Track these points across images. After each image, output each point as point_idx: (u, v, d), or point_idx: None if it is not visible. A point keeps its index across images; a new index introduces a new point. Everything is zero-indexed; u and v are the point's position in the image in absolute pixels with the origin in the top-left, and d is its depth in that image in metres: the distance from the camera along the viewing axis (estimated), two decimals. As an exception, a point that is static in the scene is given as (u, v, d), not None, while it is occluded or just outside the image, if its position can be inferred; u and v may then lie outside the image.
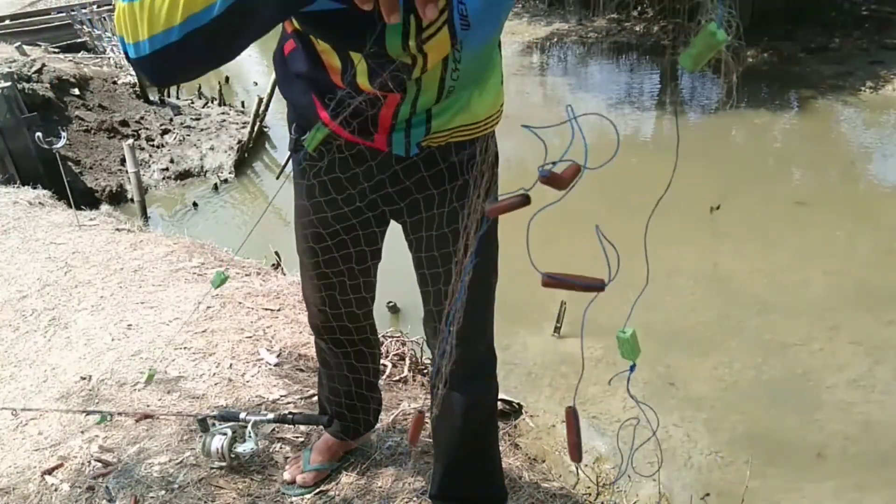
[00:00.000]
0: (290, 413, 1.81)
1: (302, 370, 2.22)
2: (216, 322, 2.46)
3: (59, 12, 9.59)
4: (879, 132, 6.93)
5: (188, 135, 6.99)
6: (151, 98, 7.63)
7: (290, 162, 1.26)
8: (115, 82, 7.62)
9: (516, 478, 1.83)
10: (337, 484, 1.67)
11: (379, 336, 2.63)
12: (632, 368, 0.62)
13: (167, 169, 6.46)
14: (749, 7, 9.29)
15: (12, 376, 2.27)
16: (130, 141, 5.73)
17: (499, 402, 2.52)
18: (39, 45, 8.54)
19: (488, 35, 1.01)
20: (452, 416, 1.40)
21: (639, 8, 11.07)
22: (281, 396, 2.03)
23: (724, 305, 3.90)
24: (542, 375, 3.39)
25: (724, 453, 2.89)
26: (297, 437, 1.84)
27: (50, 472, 1.74)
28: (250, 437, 1.69)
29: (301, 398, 2.03)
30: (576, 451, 0.66)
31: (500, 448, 1.85)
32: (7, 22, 9.21)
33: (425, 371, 2.55)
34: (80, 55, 8.55)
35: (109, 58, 8.39)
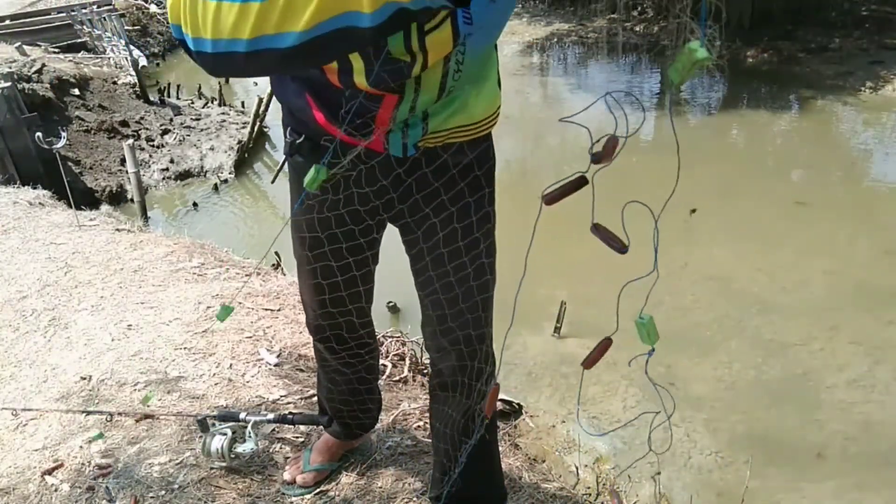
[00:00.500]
0: (290, 413, 1.81)
1: (302, 370, 2.22)
2: (216, 322, 2.46)
3: (59, 12, 9.59)
4: (879, 132, 6.93)
5: (188, 135, 6.99)
6: (151, 98, 7.63)
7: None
8: (115, 82, 7.62)
9: (516, 478, 1.83)
10: (337, 484, 1.67)
11: (379, 336, 2.65)
12: (650, 352, 0.66)
13: (167, 169, 6.46)
14: (749, 7, 9.29)
15: (12, 376, 2.27)
16: (130, 141, 5.73)
17: (499, 402, 2.53)
18: (39, 45, 8.54)
19: (492, 34, 1.00)
20: (453, 419, 1.40)
21: (639, 8, 11.07)
22: (281, 396, 2.03)
23: (724, 305, 3.90)
24: (542, 375, 3.39)
25: (724, 453, 2.89)
26: (297, 438, 1.84)
27: (50, 472, 1.74)
28: (250, 437, 1.69)
29: (301, 398, 2.03)
30: (591, 364, 0.73)
31: (500, 448, 1.85)
32: (7, 22, 9.21)
33: (425, 371, 2.55)
34: (80, 55, 8.55)
35: (109, 58, 8.39)
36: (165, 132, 6.95)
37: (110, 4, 9.82)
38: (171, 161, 6.56)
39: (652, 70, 9.50)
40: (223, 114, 7.59)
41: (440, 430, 1.47)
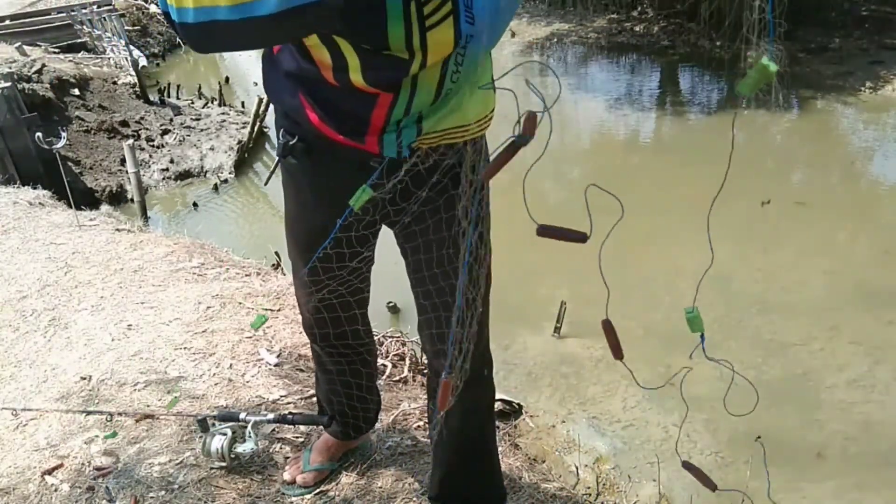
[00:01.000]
0: (289, 413, 1.81)
1: (302, 370, 2.22)
2: (216, 322, 2.46)
3: (59, 12, 9.58)
4: (879, 132, 6.93)
5: (188, 135, 6.99)
6: (151, 98, 7.63)
7: (280, 167, 1.25)
8: (115, 82, 7.62)
9: (516, 478, 1.83)
10: (337, 484, 1.67)
11: (379, 336, 2.64)
12: (702, 338, 0.76)
13: (167, 169, 6.46)
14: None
15: (12, 376, 2.27)
16: (130, 141, 5.73)
17: (499, 402, 2.53)
18: (39, 46, 8.54)
19: (493, 36, 0.99)
20: (450, 420, 1.40)
21: (639, 8, 11.07)
22: (281, 396, 2.03)
23: (724, 305, 3.90)
24: (542, 375, 3.39)
25: (724, 453, 2.89)
26: (297, 437, 1.84)
27: (50, 472, 1.74)
28: (250, 437, 1.69)
29: (301, 398, 2.03)
30: (618, 351, 0.79)
31: (500, 448, 1.85)
32: (7, 22, 9.20)
33: (425, 371, 2.55)
34: (80, 55, 8.54)
35: (109, 58, 8.38)
36: (165, 132, 6.95)
37: (110, 4, 9.81)
38: (171, 161, 6.56)
39: (652, 70, 9.50)
40: (223, 114, 7.59)
41: (437, 430, 1.47)
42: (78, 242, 3.29)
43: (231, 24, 0.76)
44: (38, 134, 3.44)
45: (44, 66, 6.95)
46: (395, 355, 2.62)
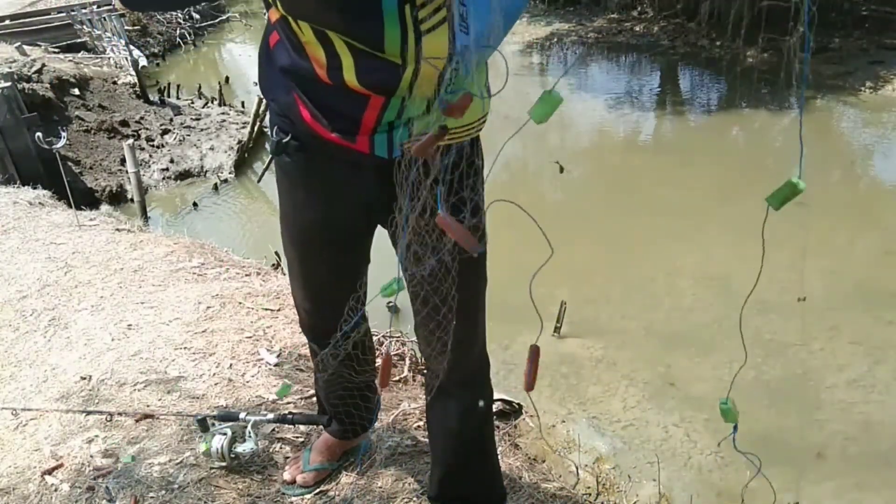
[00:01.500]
0: (289, 413, 1.81)
1: (302, 370, 2.22)
2: (216, 322, 2.45)
3: (59, 12, 9.58)
4: (879, 132, 6.93)
5: (188, 135, 6.99)
6: (151, 98, 7.63)
7: (274, 165, 1.24)
8: (115, 82, 7.62)
9: (516, 478, 1.83)
10: (337, 484, 1.67)
11: (379, 336, 2.64)
12: (735, 429, 0.75)
13: (167, 169, 6.45)
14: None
15: (12, 376, 2.27)
16: (130, 141, 5.73)
17: (499, 402, 2.53)
18: (39, 45, 8.53)
19: (489, 49, 0.99)
20: (448, 421, 1.40)
21: (639, 8, 11.07)
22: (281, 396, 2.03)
23: (724, 305, 3.90)
24: (542, 375, 3.39)
25: (724, 453, 2.89)
26: (297, 437, 1.84)
27: (50, 472, 1.74)
28: (250, 437, 1.69)
29: (301, 398, 2.03)
30: (531, 383, 0.75)
31: (500, 448, 1.85)
32: (7, 22, 9.20)
33: (425, 371, 2.55)
34: (80, 55, 8.54)
35: (109, 58, 8.38)
36: (165, 132, 6.94)
37: (110, 4, 9.81)
38: (171, 161, 6.56)
39: (652, 70, 9.50)
40: (223, 114, 7.59)
41: (437, 431, 1.47)
42: (78, 242, 3.29)
43: None
44: (38, 134, 3.44)
45: (44, 65, 6.95)
46: (395, 355, 2.62)
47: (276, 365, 2.20)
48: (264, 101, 6.86)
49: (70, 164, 5.84)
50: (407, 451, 1.82)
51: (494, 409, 2.46)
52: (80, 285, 2.83)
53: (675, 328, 3.72)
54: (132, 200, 5.71)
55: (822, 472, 2.83)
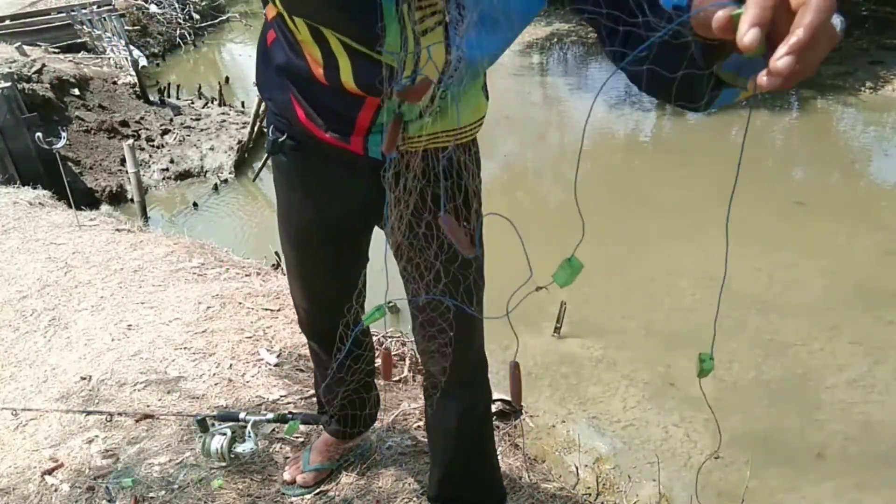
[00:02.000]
0: (289, 413, 1.81)
1: (302, 370, 2.22)
2: (216, 322, 2.46)
3: (59, 12, 9.58)
4: (879, 132, 6.93)
5: (188, 135, 6.99)
6: (151, 98, 7.63)
7: (271, 164, 1.24)
8: (115, 82, 7.61)
9: (516, 478, 1.83)
10: (337, 484, 1.67)
11: (378, 336, 2.64)
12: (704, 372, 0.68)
13: (167, 169, 6.45)
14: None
15: (12, 376, 2.27)
16: (130, 141, 5.72)
17: (499, 403, 2.53)
18: (39, 45, 8.53)
19: (484, 63, 0.97)
20: (447, 421, 1.40)
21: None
22: (281, 396, 2.03)
23: (724, 305, 3.90)
24: (542, 375, 3.39)
25: (724, 453, 2.89)
26: (297, 437, 1.84)
27: (50, 472, 1.74)
28: (250, 437, 1.69)
29: (301, 398, 2.03)
30: (519, 399, 0.77)
31: (500, 448, 1.85)
32: (7, 22, 9.20)
33: (424, 371, 2.55)
34: (80, 55, 8.53)
35: (109, 58, 8.38)
36: (165, 132, 6.94)
37: (110, 4, 9.80)
38: (171, 161, 6.56)
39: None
40: (223, 114, 7.59)
41: (436, 431, 1.47)
42: (78, 242, 3.29)
43: None
44: (38, 134, 3.44)
45: (44, 66, 6.95)
46: (395, 355, 2.63)
47: (276, 365, 2.20)
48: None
49: (70, 164, 5.84)
50: (407, 451, 1.82)
51: (494, 409, 2.46)
52: (80, 285, 2.83)
53: (675, 328, 3.72)
54: (132, 200, 5.71)
55: (822, 472, 2.83)
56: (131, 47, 8.05)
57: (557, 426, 3.01)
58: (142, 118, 7.08)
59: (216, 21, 12.76)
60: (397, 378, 2.48)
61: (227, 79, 9.25)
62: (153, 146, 6.72)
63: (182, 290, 2.74)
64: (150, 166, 6.42)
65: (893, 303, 3.86)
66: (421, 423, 1.98)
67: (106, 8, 9.30)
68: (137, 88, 7.56)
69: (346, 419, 1.61)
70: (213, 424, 1.72)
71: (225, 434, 1.68)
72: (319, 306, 1.38)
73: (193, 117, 7.37)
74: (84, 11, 8.96)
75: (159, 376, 2.12)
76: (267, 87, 1.12)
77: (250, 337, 2.36)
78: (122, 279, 2.86)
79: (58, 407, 2.00)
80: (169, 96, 8.22)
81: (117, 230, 3.56)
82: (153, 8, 11.41)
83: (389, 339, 2.71)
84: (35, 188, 4.41)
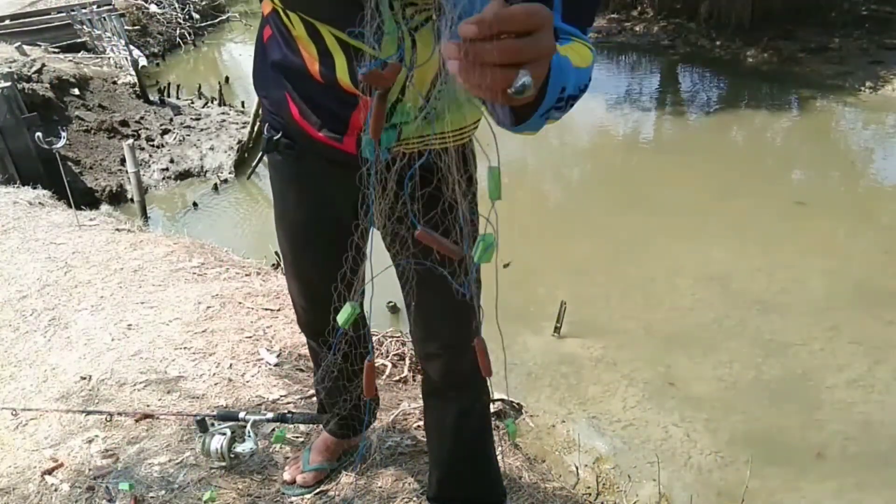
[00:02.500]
0: (289, 413, 1.81)
1: (302, 370, 2.22)
2: (216, 322, 2.45)
3: (59, 12, 9.57)
4: (879, 132, 6.93)
5: (188, 135, 6.99)
6: (151, 98, 7.62)
7: (266, 163, 1.24)
8: (115, 82, 7.61)
9: (516, 478, 1.83)
10: (337, 484, 1.67)
11: (378, 336, 2.64)
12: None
13: (167, 169, 6.45)
14: (749, 7, 9.29)
15: (12, 376, 2.27)
16: (130, 141, 5.72)
17: (499, 403, 2.53)
18: (39, 45, 8.53)
19: None
20: (445, 422, 1.40)
21: (639, 8, 11.07)
22: (281, 396, 2.03)
23: (724, 305, 3.90)
24: (542, 375, 3.39)
25: (724, 453, 2.89)
26: (297, 437, 1.84)
27: (50, 472, 1.74)
28: (249, 436, 1.69)
29: (301, 398, 2.03)
30: (488, 369, 0.76)
31: (500, 448, 1.84)
32: (7, 22, 9.20)
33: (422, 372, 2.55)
34: (80, 55, 8.53)
35: (109, 58, 8.38)
36: (165, 132, 6.94)
37: (110, 4, 9.80)
38: (171, 161, 6.56)
39: (652, 70, 9.50)
40: (223, 114, 7.59)
41: (434, 433, 1.47)
42: (78, 242, 3.29)
43: None
44: (38, 134, 3.44)
45: (44, 65, 6.94)
46: (395, 355, 2.62)
47: (276, 365, 2.20)
48: (264, 100, 6.87)
49: (70, 164, 5.84)
50: (407, 451, 1.82)
51: (494, 409, 2.46)
52: (80, 285, 2.83)
53: (675, 328, 3.72)
54: (132, 200, 5.71)
55: (822, 472, 2.83)
56: (131, 47, 8.05)
57: (557, 426, 3.01)
58: (142, 118, 7.08)
59: (216, 21, 12.75)
60: (397, 378, 2.48)
61: (227, 79, 9.24)
62: (153, 146, 6.72)
63: (182, 290, 2.74)
64: (150, 166, 6.42)
65: (893, 303, 3.86)
66: (421, 423, 1.98)
67: (106, 8, 9.29)
68: (137, 88, 7.56)
69: (344, 416, 1.61)
70: (212, 424, 1.72)
71: (225, 434, 1.68)
72: (317, 304, 1.38)
73: (193, 117, 7.37)
74: (84, 11, 8.96)
75: (159, 376, 2.12)
76: (263, 85, 1.12)
77: (250, 337, 2.36)
78: (122, 279, 2.86)
79: (58, 407, 2.00)
80: (169, 96, 8.21)
81: (117, 230, 3.56)
82: (153, 8, 11.41)
83: (389, 339, 2.71)
84: (35, 188, 4.40)
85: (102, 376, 2.14)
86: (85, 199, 5.45)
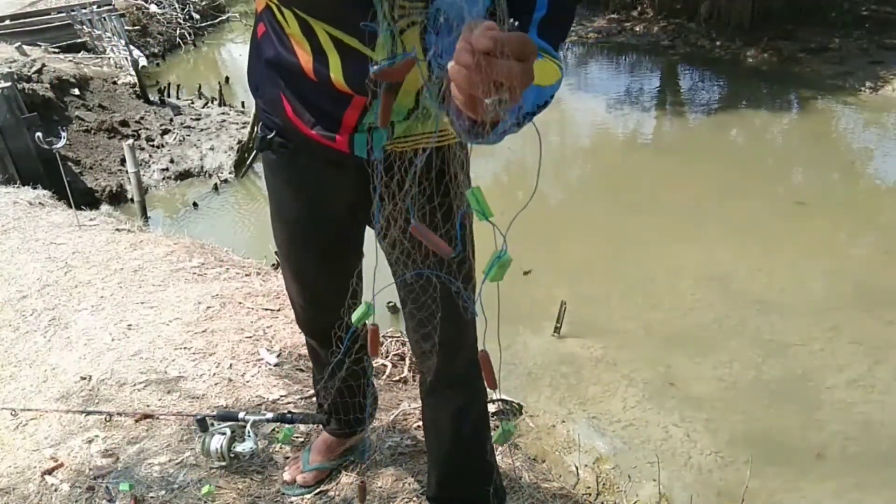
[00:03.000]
0: (288, 412, 1.81)
1: (302, 370, 2.22)
2: (216, 322, 2.45)
3: (59, 12, 9.57)
4: (879, 132, 6.93)
5: (188, 135, 6.99)
6: (151, 98, 7.62)
7: (260, 162, 1.24)
8: (115, 82, 7.61)
9: (516, 478, 1.83)
10: (337, 484, 1.67)
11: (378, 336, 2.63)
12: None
13: (167, 169, 6.45)
14: (749, 7, 9.29)
15: (12, 376, 2.27)
16: (130, 141, 5.72)
17: (498, 402, 2.53)
18: (39, 45, 8.53)
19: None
20: (442, 421, 1.40)
21: (639, 8, 11.07)
22: (281, 396, 2.03)
23: (724, 305, 3.90)
24: (542, 375, 3.39)
25: (724, 453, 2.89)
26: (297, 437, 1.84)
27: (50, 472, 1.74)
28: (249, 436, 1.69)
29: (301, 398, 2.03)
30: (493, 382, 0.78)
31: (500, 448, 1.85)
32: (7, 22, 9.19)
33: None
34: (80, 55, 8.53)
35: (109, 58, 8.38)
36: (165, 132, 6.94)
37: (110, 4, 9.80)
38: (171, 161, 6.56)
39: (652, 70, 9.50)
40: (223, 114, 7.58)
41: (431, 432, 1.47)
42: (78, 242, 3.29)
43: None
44: (38, 134, 3.44)
45: (44, 65, 6.94)
46: (394, 355, 2.63)
47: (276, 365, 2.20)
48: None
49: (70, 164, 5.84)
50: (407, 451, 1.82)
51: (493, 409, 2.46)
52: (80, 285, 2.83)
53: (675, 328, 3.72)
54: (132, 200, 5.71)
55: (822, 472, 2.83)
56: (131, 47, 8.05)
57: (557, 426, 3.01)
58: (142, 118, 7.08)
59: (216, 21, 12.75)
60: (397, 378, 2.48)
61: (227, 79, 9.24)
62: (153, 146, 6.72)
63: (182, 290, 2.74)
64: (150, 166, 6.42)
65: (893, 303, 3.86)
66: (420, 423, 1.98)
67: (106, 8, 9.29)
68: (137, 88, 7.56)
69: (343, 415, 1.61)
70: (212, 424, 1.72)
71: (225, 434, 1.68)
72: (314, 303, 1.38)
73: (193, 117, 7.37)
74: (84, 11, 8.96)
75: (159, 376, 2.12)
76: (257, 83, 1.12)
77: (250, 337, 2.36)
78: (122, 279, 2.86)
79: (58, 407, 2.00)
80: (169, 96, 8.21)
81: (117, 230, 3.56)
82: (153, 8, 11.41)
83: (389, 339, 2.71)
84: (35, 188, 4.40)
85: (102, 376, 2.14)
86: (85, 199, 5.45)
